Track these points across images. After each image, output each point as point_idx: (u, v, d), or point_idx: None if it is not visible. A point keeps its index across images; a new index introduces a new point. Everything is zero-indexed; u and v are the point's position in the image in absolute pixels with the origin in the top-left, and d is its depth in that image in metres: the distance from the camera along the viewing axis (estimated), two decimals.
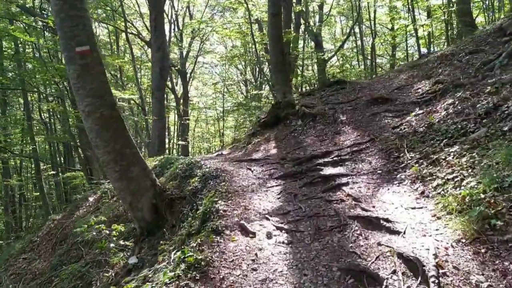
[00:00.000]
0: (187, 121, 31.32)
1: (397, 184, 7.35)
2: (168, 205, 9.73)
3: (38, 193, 22.94)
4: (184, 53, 32.13)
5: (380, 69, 33.69)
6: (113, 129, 9.30)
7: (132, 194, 9.57)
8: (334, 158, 9.42)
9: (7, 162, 23.46)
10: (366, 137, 10.34)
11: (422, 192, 6.67)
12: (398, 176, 7.65)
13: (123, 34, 26.63)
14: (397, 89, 13.28)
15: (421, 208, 6.20)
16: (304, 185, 8.32)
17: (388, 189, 7.29)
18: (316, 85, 23.92)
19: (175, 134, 34.64)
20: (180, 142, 31.46)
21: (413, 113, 10.33)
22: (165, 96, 34.88)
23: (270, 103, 30.99)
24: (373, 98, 13.01)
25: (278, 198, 7.86)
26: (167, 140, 34.65)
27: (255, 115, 33.70)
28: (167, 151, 33.79)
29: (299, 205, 7.17)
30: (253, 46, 24.44)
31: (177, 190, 9.90)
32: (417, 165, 7.56)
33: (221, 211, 7.13)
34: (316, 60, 24.95)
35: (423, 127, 8.91)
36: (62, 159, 25.47)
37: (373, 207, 6.57)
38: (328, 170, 8.86)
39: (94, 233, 7.50)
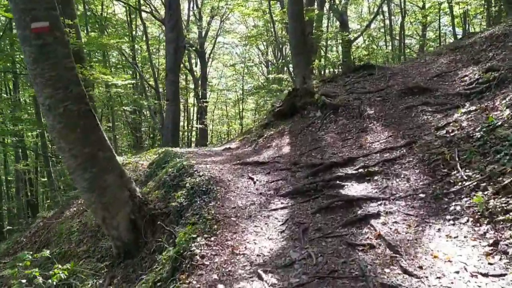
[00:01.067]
0: (206, 104, 29.04)
1: (452, 222, 4.92)
2: (150, 223, 7.54)
3: (46, 179, 21.05)
4: (203, 32, 29.70)
5: (408, 50, 30.75)
6: (81, 128, 7.13)
7: (105, 208, 7.45)
8: (360, 170, 6.99)
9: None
10: (401, 140, 7.89)
11: (495, 243, 4.24)
12: (451, 206, 5.20)
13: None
14: (437, 77, 10.69)
15: (500, 276, 3.80)
16: (319, 211, 5.93)
17: (439, 229, 4.86)
18: (340, 69, 21.31)
19: (193, 117, 32.45)
20: (197, 126, 29.26)
21: (463, 110, 7.79)
22: (185, 77, 32.74)
23: (291, 86, 28.52)
24: (407, 87, 10.46)
25: (281, 232, 5.51)
26: (185, 123, 32.55)
27: (272, 100, 31.32)
28: (186, 134, 31.78)
29: (309, 250, 4.80)
30: (272, 25, 21.79)
31: (162, 204, 7.68)
32: (479, 192, 5.12)
33: (198, 258, 4.84)
34: (340, 41, 22.34)
35: (481, 132, 6.38)
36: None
37: (420, 267, 4.16)
38: (352, 188, 6.47)
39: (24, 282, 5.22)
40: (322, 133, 10.26)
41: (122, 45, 15.06)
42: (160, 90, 24.87)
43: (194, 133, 31.44)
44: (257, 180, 7.60)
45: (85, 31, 18.53)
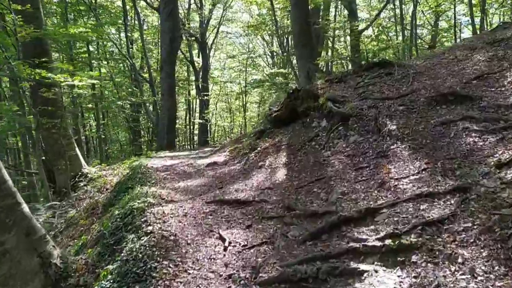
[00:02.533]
0: (207, 97, 26.24)
1: None
2: None
3: None
4: (205, 21, 26.79)
5: (420, 41, 27.66)
6: None
7: (3, 284, 4.82)
8: (386, 241, 4.18)
9: None
10: (442, 179, 5.11)
11: None
12: None
13: None
14: (477, 79, 7.81)
15: None
16: None
17: None
18: (348, 65, 18.41)
19: (194, 111, 29.66)
20: (198, 120, 26.52)
21: None
22: (186, 68, 29.91)
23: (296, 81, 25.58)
24: (439, 93, 7.60)
25: None
26: (186, 118, 29.76)
27: (280, 90, 28.38)
28: (188, 128, 29.05)
29: None
30: (272, 13, 18.83)
31: (92, 275, 4.97)
32: None
33: None
34: (349, 32, 19.43)
35: None
36: (18, 157, 19.75)
37: None
38: (376, 283, 3.69)
39: None
40: (327, 153, 7.47)
41: (95, 35, 12.25)
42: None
43: (196, 126, 28.65)
44: (230, 242, 4.85)
45: (66, 19, 15.80)
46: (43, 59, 10.55)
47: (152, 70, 23.56)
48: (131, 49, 24.23)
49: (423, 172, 5.50)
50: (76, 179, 11.01)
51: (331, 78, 10.41)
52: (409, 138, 6.55)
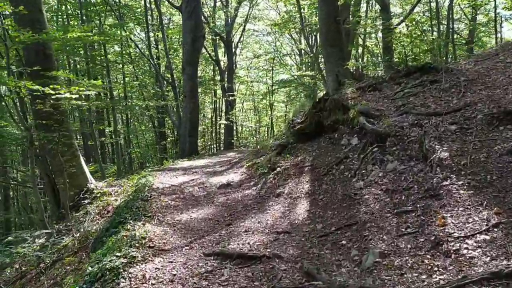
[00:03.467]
0: (232, 97, 24.77)
1: None
2: None
3: None
4: (230, 19, 25.27)
5: (457, 36, 25.42)
6: None
7: None
8: None
9: None
10: None
11: None
12: None
13: None
14: None
15: None
16: None
17: None
18: (379, 65, 16.61)
19: (220, 111, 28.23)
20: (223, 122, 25.08)
21: None
22: (212, 67, 28.51)
23: (318, 79, 23.79)
24: (501, 108, 5.88)
25: None
26: (212, 118, 28.40)
27: (308, 90, 26.64)
28: (214, 129, 27.69)
29: None
30: (298, 9, 17.09)
31: None
32: None
33: None
34: (381, 28, 17.65)
35: None
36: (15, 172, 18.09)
37: None
38: None
39: None
40: (360, 184, 5.87)
41: (101, 38, 10.89)
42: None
43: (222, 127, 27.19)
44: None
45: (82, 21, 14.55)
46: (46, 66, 9.40)
47: (176, 71, 22.27)
48: (155, 49, 22.99)
49: (495, 229, 3.87)
50: (81, 195, 9.75)
51: (364, 85, 8.75)
52: (468, 172, 4.90)
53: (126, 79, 23.86)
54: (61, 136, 8.60)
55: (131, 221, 5.95)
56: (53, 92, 7.24)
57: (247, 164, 9.51)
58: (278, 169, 7.90)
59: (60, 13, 15.22)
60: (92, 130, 14.04)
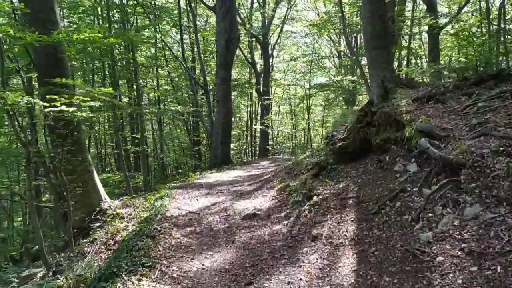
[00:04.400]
0: (268, 101, 23.21)
1: None
2: None
3: None
4: (267, 21, 23.72)
5: (509, 37, 22.91)
6: None
7: None
8: None
9: None
10: None
11: None
12: None
13: None
14: None
15: None
16: None
17: None
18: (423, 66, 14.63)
19: (256, 114, 26.68)
20: (258, 127, 23.58)
21: None
22: (249, 70, 27.03)
23: (360, 84, 21.84)
24: None
25: None
26: (246, 124, 26.94)
27: (347, 94, 24.74)
28: (250, 132, 26.20)
29: None
30: (339, 8, 15.29)
31: None
32: None
33: None
34: (428, 28, 15.76)
35: None
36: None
37: None
38: None
39: None
40: (427, 236, 4.17)
41: (119, 40, 9.54)
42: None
43: (258, 130, 25.62)
44: None
45: (109, 24, 13.31)
46: (57, 71, 8.19)
47: (211, 75, 20.93)
48: (190, 52, 21.72)
49: None
50: (93, 216, 8.46)
51: (421, 95, 6.96)
52: None
53: (161, 82, 22.75)
54: (65, 151, 7.26)
55: (124, 274, 4.49)
56: (46, 104, 5.87)
57: (279, 186, 7.91)
58: (315, 198, 6.27)
59: (86, 14, 14.05)
60: (117, 137, 12.80)
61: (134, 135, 16.13)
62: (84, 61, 14.31)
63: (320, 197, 6.23)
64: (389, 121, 6.58)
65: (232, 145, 23.04)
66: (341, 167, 7.05)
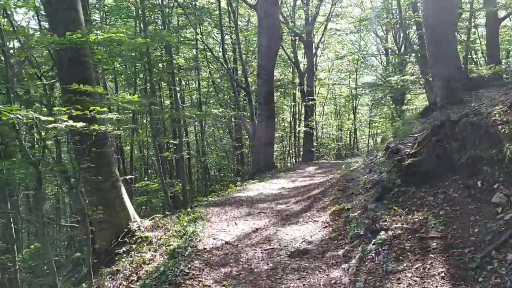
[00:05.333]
0: (312, 102, 21.60)
1: None
2: None
3: None
4: (310, 18, 22.10)
5: None
6: None
7: None
8: None
9: None
10: None
11: None
12: None
13: None
14: None
15: None
16: None
17: None
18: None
19: (300, 115, 25.07)
20: (302, 129, 22.02)
21: None
22: (291, 70, 25.50)
23: (419, 84, 19.80)
24: None
25: None
26: (289, 126, 25.39)
27: (396, 92, 22.69)
28: (293, 133, 24.66)
29: None
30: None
31: None
32: None
33: None
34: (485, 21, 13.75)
35: None
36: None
37: None
38: None
39: None
40: None
41: (147, 41, 8.22)
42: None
43: (301, 134, 23.98)
44: None
45: (144, 25, 12.18)
46: (80, 76, 7.11)
47: (252, 76, 19.59)
48: (231, 53, 20.45)
49: None
50: (120, 239, 7.32)
51: None
52: None
53: (203, 83, 21.65)
54: (88, 167, 6.08)
55: None
56: (50, 119, 4.66)
57: (332, 209, 6.41)
58: (383, 233, 4.75)
59: (125, 15, 13.04)
60: (154, 144, 11.68)
61: (173, 141, 14.99)
62: (120, 65, 13.29)
63: (390, 232, 4.71)
64: (478, 134, 4.96)
65: (275, 146, 21.65)
66: (412, 191, 5.47)
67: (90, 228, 5.99)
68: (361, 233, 5.10)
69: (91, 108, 5.40)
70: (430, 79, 10.02)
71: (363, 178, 7.03)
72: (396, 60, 24.58)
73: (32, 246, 9.22)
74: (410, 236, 4.51)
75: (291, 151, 25.80)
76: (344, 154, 25.79)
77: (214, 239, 5.95)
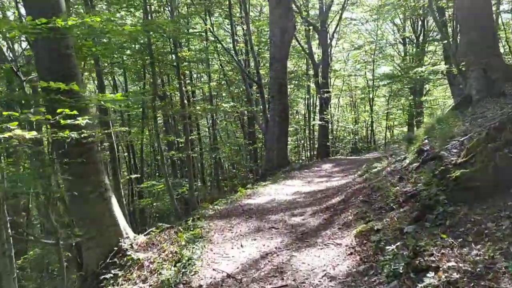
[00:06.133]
0: (327, 94, 20.16)
1: None
2: None
3: None
4: (324, 7, 20.60)
5: None
6: None
7: None
8: None
9: None
10: None
11: None
12: None
13: None
14: None
15: None
16: None
17: None
18: None
19: (314, 107, 23.63)
20: (317, 122, 20.65)
21: None
22: (305, 61, 24.03)
23: (439, 74, 18.19)
24: None
25: None
26: (303, 119, 23.97)
27: (414, 84, 21.07)
28: (308, 127, 23.21)
29: None
30: None
31: None
32: None
33: None
34: None
35: None
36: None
37: None
38: None
39: None
40: None
41: (138, 28, 6.90)
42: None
43: (316, 127, 22.53)
44: None
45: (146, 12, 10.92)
46: (62, 72, 5.96)
47: (265, 68, 18.22)
48: (243, 44, 19.10)
49: None
50: (109, 259, 6.18)
51: None
52: None
53: (214, 76, 20.39)
54: (70, 179, 4.91)
55: None
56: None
57: (358, 229, 5.11)
58: (432, 276, 3.44)
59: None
60: (158, 142, 10.49)
61: (178, 140, 13.76)
62: (128, 58, 12.05)
63: (442, 275, 3.39)
64: None
65: (289, 139, 20.36)
66: (463, 212, 4.15)
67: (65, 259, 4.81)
68: (400, 271, 3.80)
69: (59, 110, 4.20)
70: (464, 68, 8.58)
71: (393, 188, 5.70)
72: (413, 50, 22.96)
73: None
74: (472, 284, 3.20)
75: (305, 144, 24.45)
76: (360, 147, 24.36)
77: (213, 269, 4.72)
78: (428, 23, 21.92)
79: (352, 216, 5.82)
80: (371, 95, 23.36)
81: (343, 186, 8.42)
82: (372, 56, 22.75)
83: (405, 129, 27.45)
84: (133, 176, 12.45)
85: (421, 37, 22.12)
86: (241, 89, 19.66)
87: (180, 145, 15.93)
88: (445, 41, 10.23)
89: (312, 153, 23.18)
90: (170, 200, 10.26)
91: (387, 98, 24.70)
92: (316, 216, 6.46)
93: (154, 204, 12.60)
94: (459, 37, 9.65)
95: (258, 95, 17.38)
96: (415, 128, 24.25)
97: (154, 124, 10.87)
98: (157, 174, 16.06)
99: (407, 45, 23.58)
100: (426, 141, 6.25)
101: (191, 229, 6.32)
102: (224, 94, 21.12)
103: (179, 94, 11.61)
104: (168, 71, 11.90)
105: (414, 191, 5.09)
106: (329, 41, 21.46)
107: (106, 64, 11.76)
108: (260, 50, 19.90)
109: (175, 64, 11.13)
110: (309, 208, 7.12)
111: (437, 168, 4.79)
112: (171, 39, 11.32)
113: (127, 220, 7.75)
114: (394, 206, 5.23)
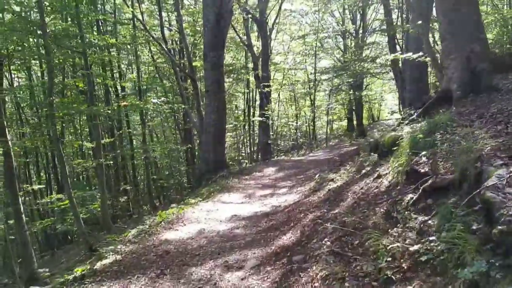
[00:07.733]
0: (268, 88, 17.78)
1: None
2: None
3: None
4: None
5: None
6: None
7: None
8: None
9: None
10: None
11: None
12: None
13: None
14: None
15: None
16: None
17: None
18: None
19: (254, 102, 21.16)
20: (257, 118, 18.22)
21: None
22: (244, 54, 21.52)
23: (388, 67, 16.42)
24: None
25: None
26: (243, 116, 21.44)
27: (354, 79, 19.28)
28: (249, 124, 20.72)
29: None
30: None
31: None
32: None
33: None
34: None
35: None
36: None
37: None
38: None
39: None
40: None
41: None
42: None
43: (256, 123, 20.01)
44: None
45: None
46: None
47: (199, 59, 15.37)
48: (173, 32, 16.16)
49: None
50: None
51: None
52: None
53: (144, 68, 17.27)
54: None
55: None
56: None
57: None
58: None
59: None
60: (57, 149, 7.53)
61: (86, 145, 10.68)
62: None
63: None
64: None
65: (228, 135, 17.81)
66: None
67: None
68: None
69: None
70: (445, 59, 6.44)
71: (384, 240, 3.32)
72: (352, 43, 21.26)
73: None
74: None
75: (245, 140, 21.96)
76: (302, 143, 22.39)
77: None
78: (366, 16, 20.27)
79: (318, 281, 3.41)
80: (311, 89, 21.32)
81: (295, 207, 6.05)
82: (314, 48, 20.67)
83: (344, 123, 26.00)
84: (36, 187, 9.34)
85: (360, 30, 20.43)
86: (170, 84, 16.77)
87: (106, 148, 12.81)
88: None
89: (252, 149, 20.81)
90: (76, 222, 7.40)
91: (327, 92, 22.87)
92: (262, 274, 4.00)
93: (57, 226, 9.55)
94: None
95: (192, 91, 14.60)
96: (354, 122, 22.79)
97: (50, 128, 7.89)
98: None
99: (346, 39, 21.81)
100: (413, 156, 3.98)
101: None
102: (158, 88, 18.03)
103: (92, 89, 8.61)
104: (64, 57, 8.84)
105: (431, 255, 2.77)
106: (268, 32, 19.07)
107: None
108: (195, 41, 17.06)
109: (80, 50, 8.20)
110: (250, 251, 4.64)
111: (479, 221, 2.49)
112: (72, 20, 8.35)
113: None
114: (394, 278, 2.88)
